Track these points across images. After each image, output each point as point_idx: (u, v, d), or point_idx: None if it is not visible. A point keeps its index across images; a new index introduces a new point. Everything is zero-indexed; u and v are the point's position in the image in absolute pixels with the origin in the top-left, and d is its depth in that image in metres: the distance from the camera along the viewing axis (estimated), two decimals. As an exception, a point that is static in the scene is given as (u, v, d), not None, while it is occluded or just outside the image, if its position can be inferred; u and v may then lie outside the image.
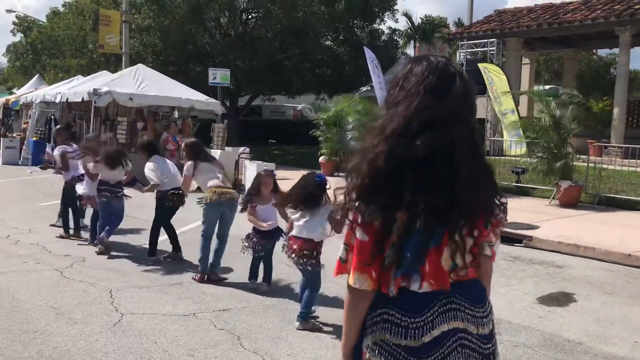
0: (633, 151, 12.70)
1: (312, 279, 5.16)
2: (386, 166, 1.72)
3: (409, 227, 1.72)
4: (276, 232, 6.05)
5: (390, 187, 1.73)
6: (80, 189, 8.05)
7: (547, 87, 26.33)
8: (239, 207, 6.37)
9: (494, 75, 16.62)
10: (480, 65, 17.09)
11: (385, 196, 1.73)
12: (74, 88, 16.66)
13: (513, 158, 13.74)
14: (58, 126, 9.28)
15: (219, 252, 6.51)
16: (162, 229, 7.39)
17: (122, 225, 8.03)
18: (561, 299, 6.19)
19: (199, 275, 6.40)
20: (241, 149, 15.21)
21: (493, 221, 1.86)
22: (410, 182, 1.72)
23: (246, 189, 7.12)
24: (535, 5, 21.40)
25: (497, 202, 1.87)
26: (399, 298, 1.81)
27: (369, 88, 21.67)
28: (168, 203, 7.26)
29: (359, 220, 1.78)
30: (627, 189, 12.06)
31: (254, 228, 6.04)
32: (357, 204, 1.79)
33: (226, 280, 6.39)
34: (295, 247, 5.13)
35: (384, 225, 1.73)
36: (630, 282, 6.90)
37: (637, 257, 7.59)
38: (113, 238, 7.75)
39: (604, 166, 12.77)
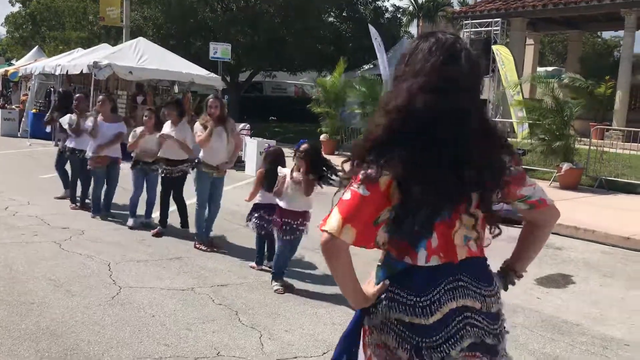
0: (635, 134, 12.64)
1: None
2: (384, 137, 1.72)
3: (419, 200, 1.70)
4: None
5: (408, 155, 1.69)
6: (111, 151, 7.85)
7: (550, 68, 26.17)
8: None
9: (504, 58, 16.61)
10: (494, 47, 17.21)
11: (403, 163, 1.69)
12: (74, 60, 16.53)
13: (515, 140, 13.69)
14: (78, 94, 9.23)
15: (211, 216, 6.71)
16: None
17: (122, 198, 8.00)
18: (559, 281, 6.19)
19: (201, 243, 6.55)
20: (241, 125, 15.11)
21: (509, 182, 1.83)
22: (424, 156, 1.70)
23: (246, 165, 7.21)
24: (540, -15, 21.10)
25: (508, 164, 1.83)
26: (404, 277, 1.79)
27: (372, 66, 21.50)
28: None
29: (364, 179, 1.72)
30: (627, 173, 12.02)
31: (261, 205, 5.96)
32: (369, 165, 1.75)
33: (226, 254, 6.42)
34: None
35: (403, 197, 1.71)
36: (629, 264, 6.90)
37: (636, 240, 7.60)
38: (114, 210, 7.80)
39: (606, 149, 12.73)
